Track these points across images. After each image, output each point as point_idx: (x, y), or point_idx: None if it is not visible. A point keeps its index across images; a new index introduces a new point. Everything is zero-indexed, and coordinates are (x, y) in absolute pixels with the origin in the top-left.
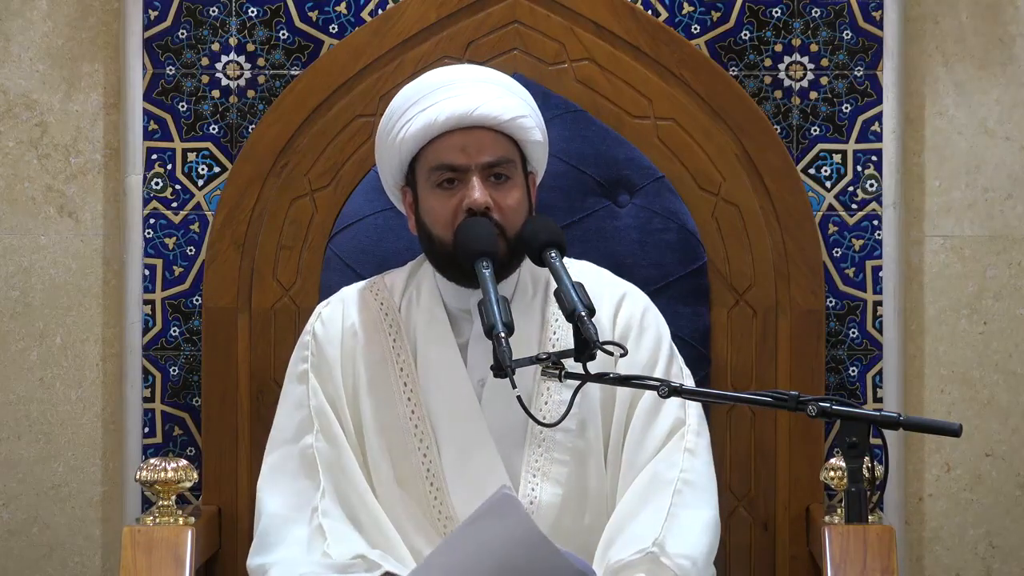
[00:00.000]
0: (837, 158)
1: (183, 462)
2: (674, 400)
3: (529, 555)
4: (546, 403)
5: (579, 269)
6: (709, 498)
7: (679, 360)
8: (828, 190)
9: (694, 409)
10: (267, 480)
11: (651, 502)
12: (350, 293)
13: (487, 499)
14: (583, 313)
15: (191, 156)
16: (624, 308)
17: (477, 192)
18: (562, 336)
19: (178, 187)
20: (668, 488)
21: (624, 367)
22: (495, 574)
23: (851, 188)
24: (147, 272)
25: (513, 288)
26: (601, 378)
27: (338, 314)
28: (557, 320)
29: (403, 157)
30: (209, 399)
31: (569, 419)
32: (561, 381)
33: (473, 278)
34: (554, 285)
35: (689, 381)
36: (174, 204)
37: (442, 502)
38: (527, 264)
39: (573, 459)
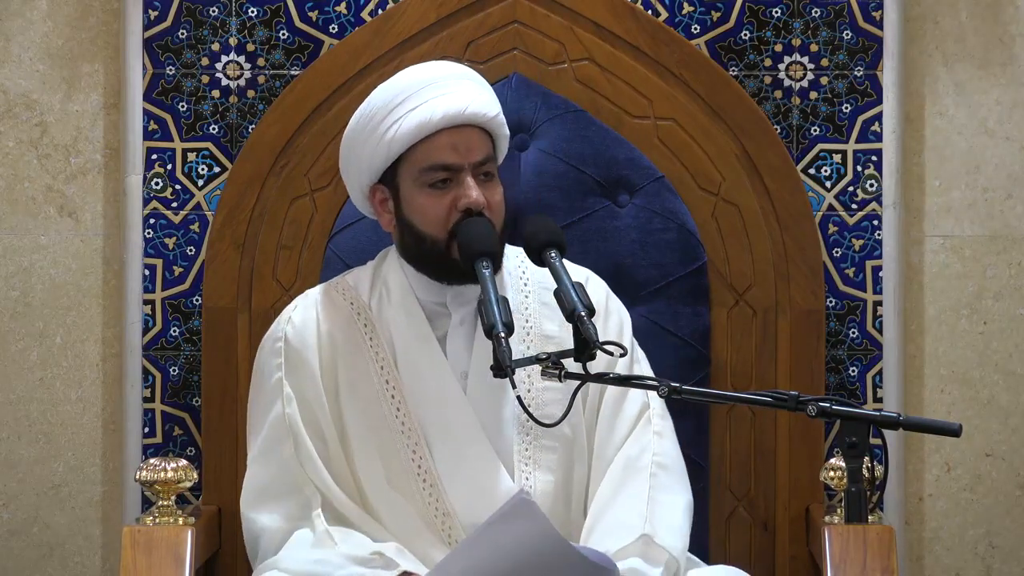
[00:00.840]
0: (837, 158)
1: (183, 462)
2: None
3: (548, 557)
4: (528, 391)
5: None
6: (683, 480)
7: (636, 343)
8: (828, 190)
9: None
10: (254, 497)
11: (627, 487)
12: (317, 295)
13: (505, 503)
14: (583, 313)
15: (191, 156)
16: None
17: (475, 192)
18: (535, 324)
19: (178, 187)
20: (643, 472)
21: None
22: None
23: (851, 188)
24: (147, 272)
25: None
26: (601, 378)
27: (311, 316)
28: (527, 309)
29: (390, 155)
30: (209, 399)
31: (553, 406)
32: (561, 381)
33: (463, 276)
34: (522, 273)
35: (646, 364)
36: (174, 204)
37: (438, 499)
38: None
39: (561, 446)
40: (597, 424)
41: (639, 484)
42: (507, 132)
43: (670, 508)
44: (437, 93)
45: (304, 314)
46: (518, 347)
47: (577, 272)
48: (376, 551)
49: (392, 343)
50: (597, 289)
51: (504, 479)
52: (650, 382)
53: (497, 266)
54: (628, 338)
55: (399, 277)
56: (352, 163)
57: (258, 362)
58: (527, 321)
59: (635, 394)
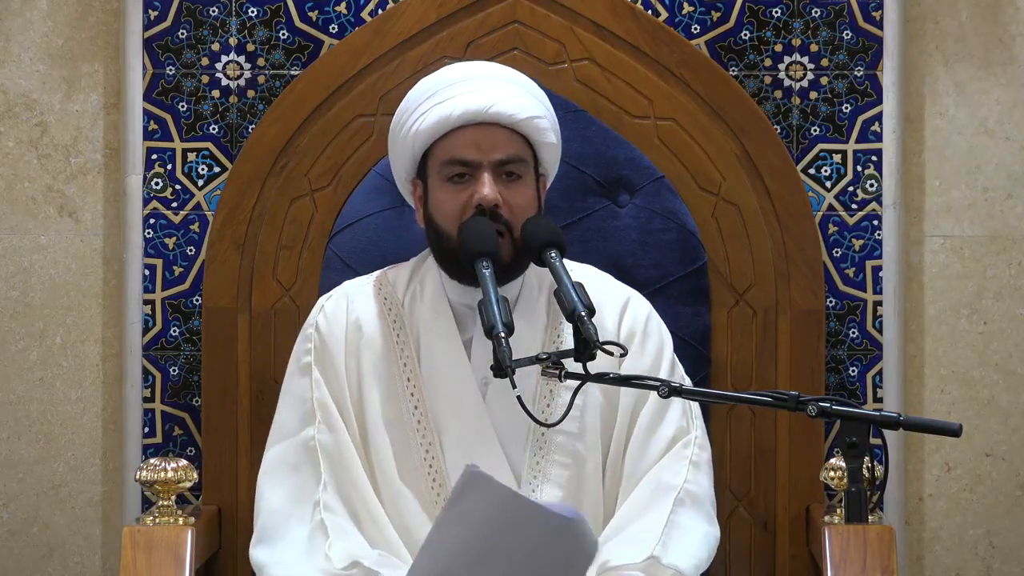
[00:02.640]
0: (837, 158)
1: (183, 462)
2: (677, 409)
3: (515, 520)
4: (548, 405)
5: (582, 273)
6: (710, 514)
7: (680, 368)
8: (828, 190)
9: (700, 422)
10: (268, 473)
11: (652, 509)
12: (353, 287)
13: (456, 483)
14: (583, 313)
15: (191, 156)
16: (628, 313)
17: (487, 188)
18: (567, 339)
19: (178, 187)
20: (670, 495)
21: (627, 372)
22: (487, 550)
23: (851, 188)
24: (147, 272)
25: (519, 289)
26: (601, 378)
27: (342, 308)
28: (562, 323)
29: (416, 150)
30: (209, 399)
31: (570, 422)
32: (561, 381)
33: (475, 276)
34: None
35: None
36: (174, 204)
37: (445, 498)
38: (533, 265)
39: (574, 462)
40: (628, 445)
41: (662, 507)
42: (552, 140)
43: (689, 533)
44: (464, 90)
45: (336, 305)
46: None
47: (620, 290)
48: (354, 561)
49: (418, 341)
50: (639, 309)
51: (511, 487)
52: (650, 382)
53: (506, 267)
54: (668, 361)
55: (435, 276)
56: (394, 157)
57: (294, 348)
58: (559, 336)
59: (672, 417)
